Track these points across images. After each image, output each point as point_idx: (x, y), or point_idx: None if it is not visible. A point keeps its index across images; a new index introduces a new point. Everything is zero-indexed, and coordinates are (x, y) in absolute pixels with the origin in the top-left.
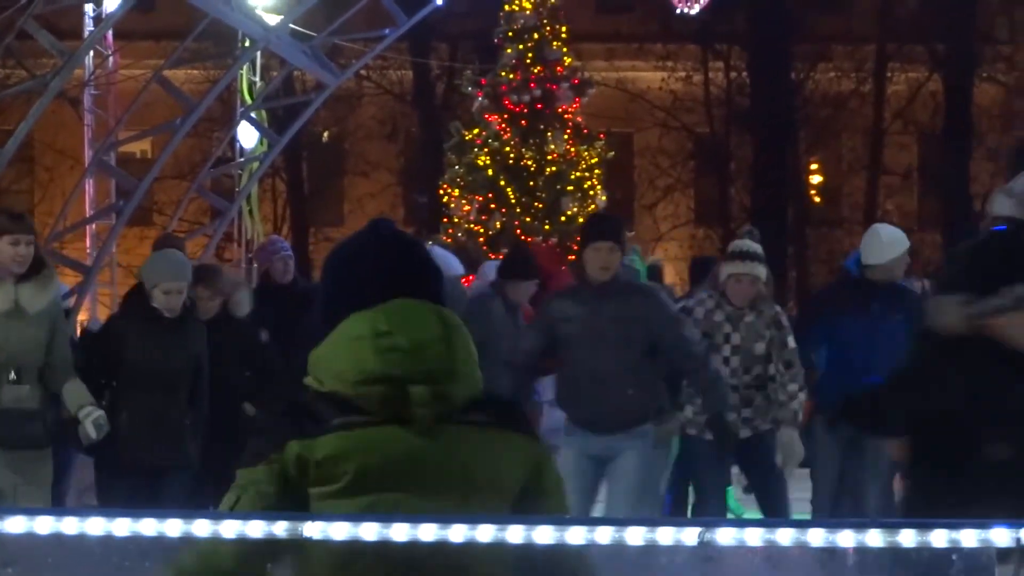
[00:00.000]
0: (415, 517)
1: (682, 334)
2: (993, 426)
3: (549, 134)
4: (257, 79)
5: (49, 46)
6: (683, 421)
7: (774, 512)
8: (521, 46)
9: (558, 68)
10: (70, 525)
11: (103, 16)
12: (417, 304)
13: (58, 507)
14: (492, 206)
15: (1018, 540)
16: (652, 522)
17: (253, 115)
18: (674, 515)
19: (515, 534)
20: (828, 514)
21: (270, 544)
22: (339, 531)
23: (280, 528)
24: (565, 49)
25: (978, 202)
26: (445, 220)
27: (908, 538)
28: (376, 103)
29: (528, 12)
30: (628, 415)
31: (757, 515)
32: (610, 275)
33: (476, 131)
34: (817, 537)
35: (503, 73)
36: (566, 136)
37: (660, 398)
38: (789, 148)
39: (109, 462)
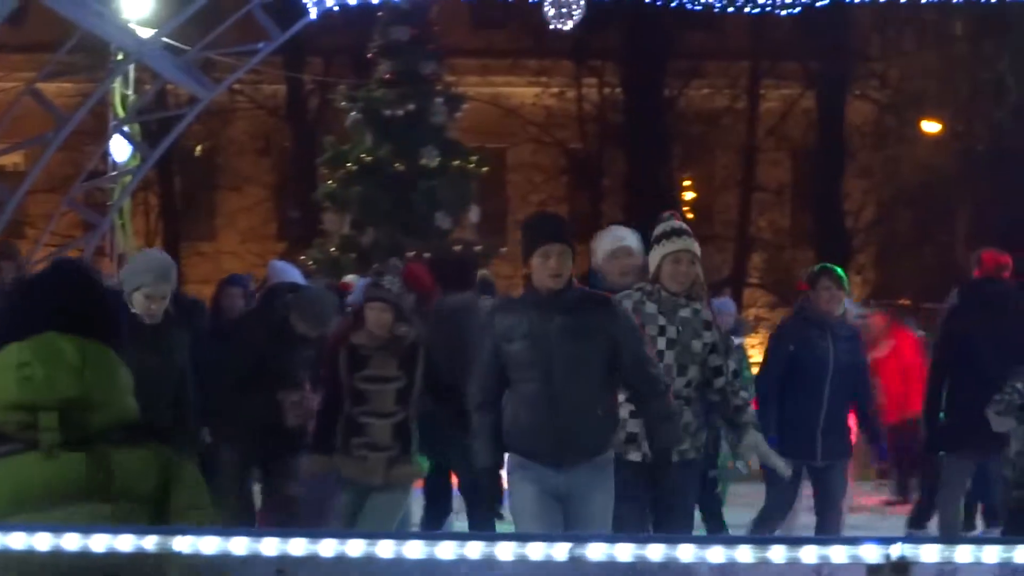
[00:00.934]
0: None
1: (644, 352)
2: None
3: (422, 149)
4: (130, 92)
5: None
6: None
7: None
8: (395, 60)
9: (432, 83)
10: None
11: None
12: (60, 337)
13: None
14: (365, 221)
15: (887, 556)
16: (523, 538)
17: (126, 129)
18: None
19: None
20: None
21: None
22: (209, 545)
23: (150, 543)
24: (439, 64)
25: (850, 219)
26: (318, 234)
27: (778, 554)
28: (249, 117)
29: (402, 27)
30: (590, 443)
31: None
32: (562, 282)
33: (349, 145)
34: (687, 554)
35: (377, 88)
36: (439, 151)
37: (618, 421)
38: (662, 164)
39: None
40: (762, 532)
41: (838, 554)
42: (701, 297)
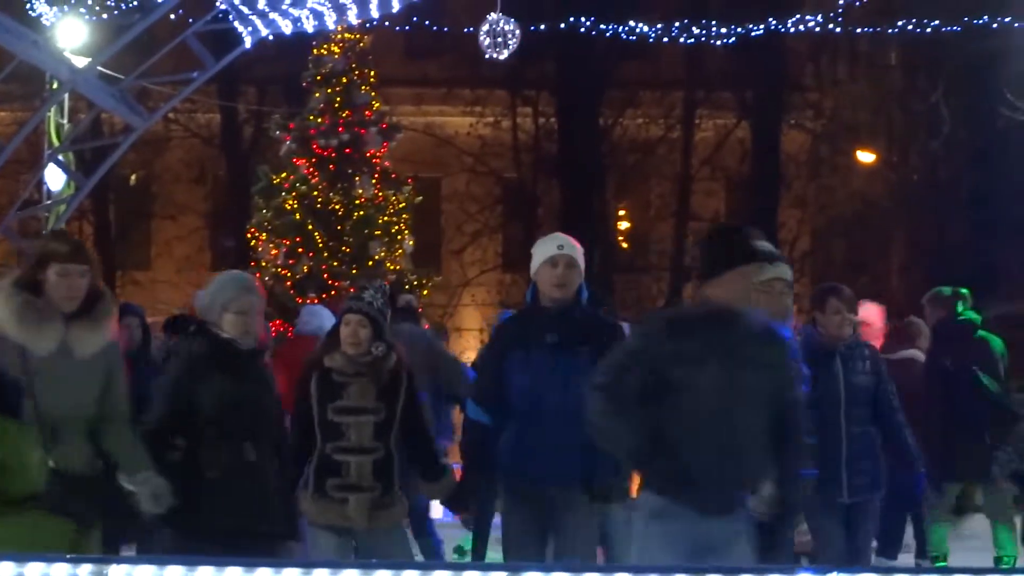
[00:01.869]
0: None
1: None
2: None
3: (357, 178)
4: (65, 121)
5: None
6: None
7: None
8: (329, 90)
9: (366, 112)
10: None
11: None
12: None
13: None
14: (299, 250)
15: None
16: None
17: (60, 157)
18: None
19: None
20: None
21: None
22: (143, 574)
23: (85, 571)
24: (373, 93)
25: (785, 249)
26: (252, 264)
27: None
28: (184, 146)
29: (336, 56)
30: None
31: None
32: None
33: (284, 175)
34: None
35: (311, 117)
36: (374, 180)
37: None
38: (597, 194)
39: (185, 531)
40: None
41: None
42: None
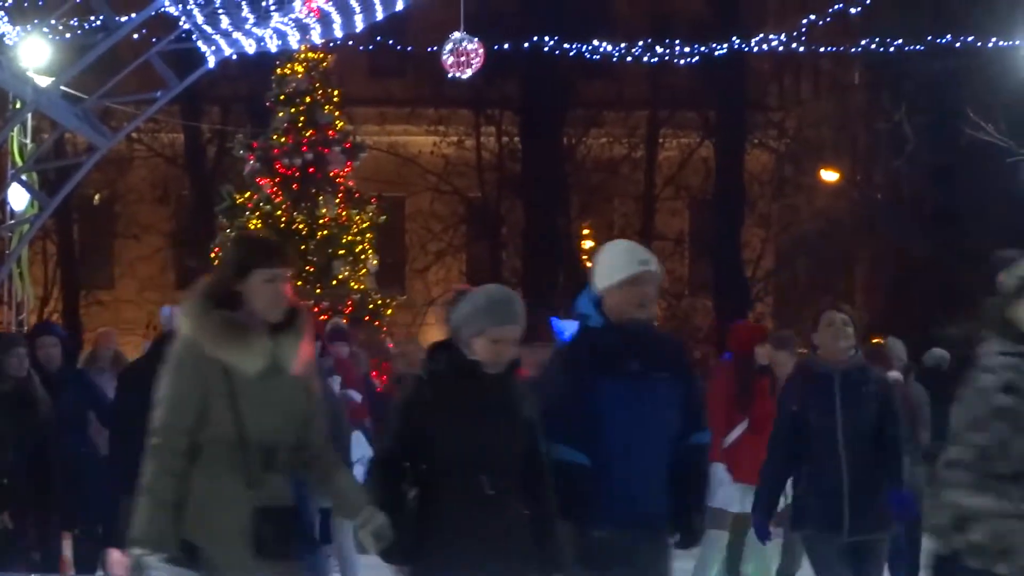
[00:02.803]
0: None
1: None
2: None
3: (321, 198)
4: (28, 141)
5: None
6: None
7: None
8: (293, 109)
9: (330, 132)
10: None
11: None
12: None
13: None
14: None
15: None
16: None
17: (24, 177)
18: None
19: None
20: None
21: None
22: None
23: None
24: (337, 113)
25: (749, 268)
26: None
27: None
28: (147, 166)
29: (300, 76)
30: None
31: None
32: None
33: (248, 194)
34: None
35: (275, 137)
36: (338, 200)
37: None
38: (560, 213)
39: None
40: None
41: None
42: None
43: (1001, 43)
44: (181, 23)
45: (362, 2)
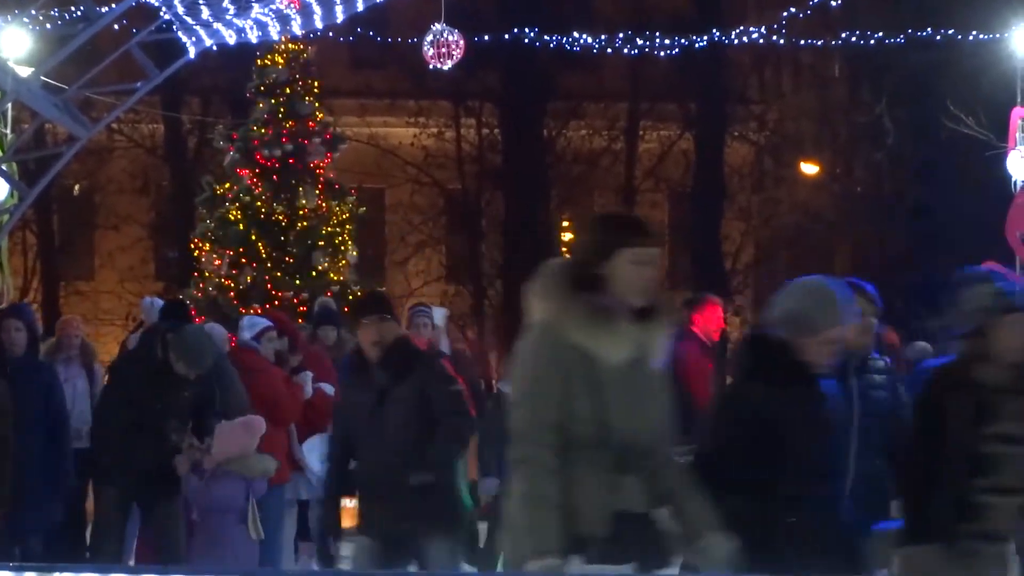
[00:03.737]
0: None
1: None
2: None
3: (301, 189)
4: (8, 131)
5: None
6: None
7: None
8: (273, 100)
9: (310, 123)
10: None
11: None
12: None
13: None
14: (243, 260)
15: None
16: None
17: (3, 167)
18: None
19: None
20: None
21: None
22: None
23: None
24: (317, 104)
25: (729, 260)
26: (196, 274)
27: None
28: (127, 156)
29: (280, 67)
30: None
31: None
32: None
33: (227, 185)
34: None
35: (255, 128)
36: (317, 191)
37: None
38: (541, 205)
39: None
40: None
41: None
42: None
43: (982, 36)
44: (162, 14)
45: None
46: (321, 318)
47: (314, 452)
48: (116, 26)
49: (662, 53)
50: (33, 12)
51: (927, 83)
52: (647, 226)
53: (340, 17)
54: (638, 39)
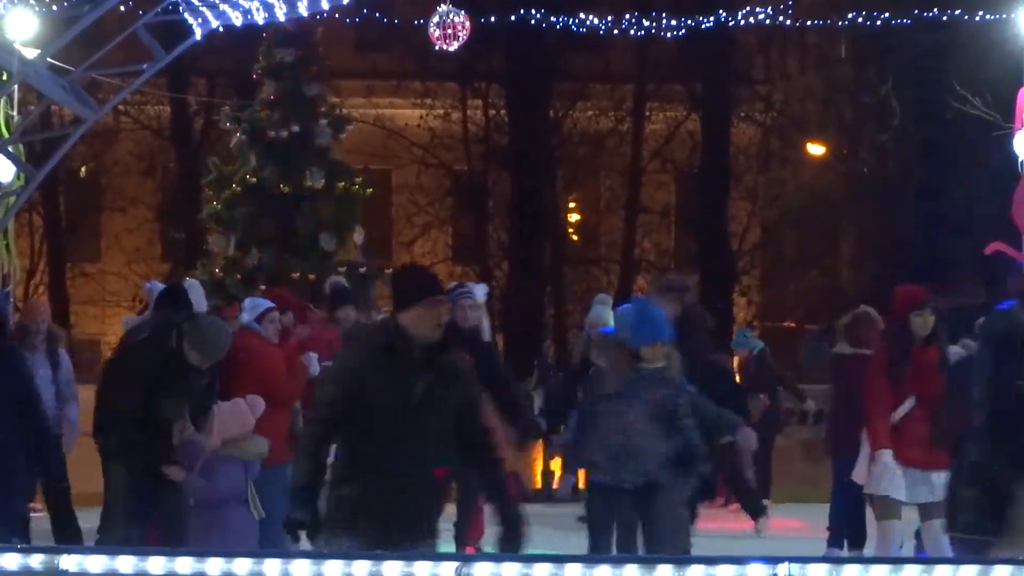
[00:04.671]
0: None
1: None
2: None
3: (307, 171)
4: (14, 113)
5: None
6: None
7: None
8: (280, 82)
9: (316, 104)
10: None
11: None
12: None
13: None
14: (249, 242)
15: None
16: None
17: (10, 149)
18: None
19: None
20: None
21: None
22: (95, 564)
23: (36, 561)
24: (323, 85)
25: (735, 241)
26: (202, 255)
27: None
28: (134, 138)
29: (287, 48)
30: None
31: None
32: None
33: (234, 167)
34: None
35: (261, 109)
36: (324, 173)
37: None
38: (547, 186)
39: None
40: None
41: (725, 573)
42: None
43: (987, 17)
44: None
45: None
46: (337, 298)
47: None
48: (122, 7)
49: (668, 34)
50: None
51: (933, 63)
52: None
53: None
54: (644, 20)
